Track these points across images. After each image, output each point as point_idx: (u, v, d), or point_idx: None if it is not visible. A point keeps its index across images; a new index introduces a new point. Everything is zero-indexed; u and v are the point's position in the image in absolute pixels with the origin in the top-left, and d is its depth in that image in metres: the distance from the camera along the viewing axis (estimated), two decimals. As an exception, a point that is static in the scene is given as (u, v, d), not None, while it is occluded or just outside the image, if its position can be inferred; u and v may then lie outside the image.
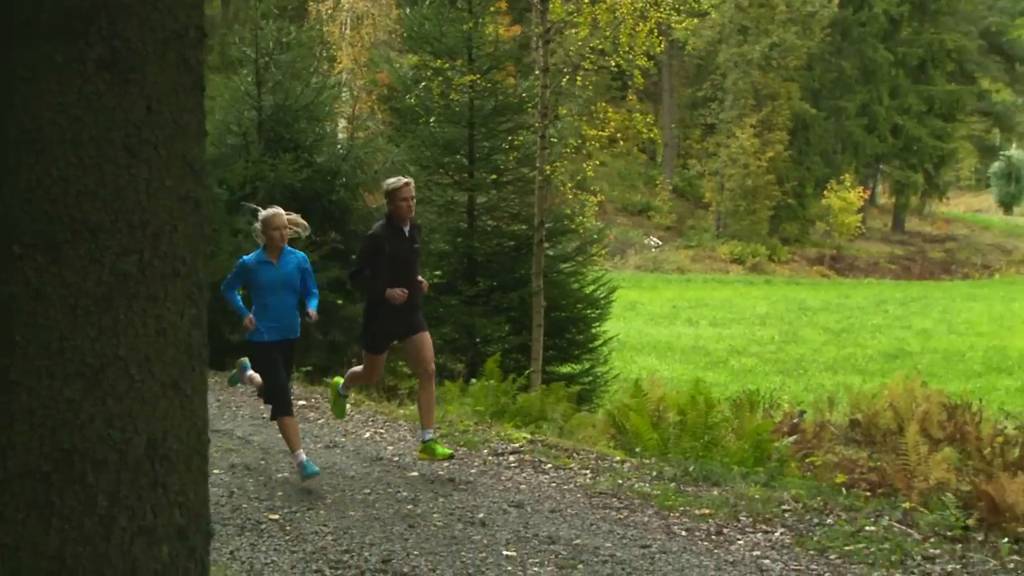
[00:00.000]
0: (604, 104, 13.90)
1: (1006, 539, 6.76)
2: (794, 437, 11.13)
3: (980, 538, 6.84)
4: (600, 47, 13.25)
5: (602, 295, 15.13)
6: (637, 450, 9.28)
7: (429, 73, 14.63)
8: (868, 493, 9.67)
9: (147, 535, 2.78)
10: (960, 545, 6.63)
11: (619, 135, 13.27)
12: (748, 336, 27.33)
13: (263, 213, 7.73)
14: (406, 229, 7.97)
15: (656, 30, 12.84)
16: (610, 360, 16.79)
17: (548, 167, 13.07)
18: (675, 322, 30.42)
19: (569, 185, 14.14)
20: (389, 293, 7.70)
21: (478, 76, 14.24)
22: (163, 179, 2.75)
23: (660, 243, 45.79)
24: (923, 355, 24.32)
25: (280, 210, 7.80)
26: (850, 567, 6.24)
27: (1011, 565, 6.21)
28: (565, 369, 14.99)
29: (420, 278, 8.23)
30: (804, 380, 21.22)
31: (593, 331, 15.06)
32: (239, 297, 7.74)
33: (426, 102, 14.74)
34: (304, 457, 7.65)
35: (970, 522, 7.43)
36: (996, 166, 68.01)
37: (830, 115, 48.39)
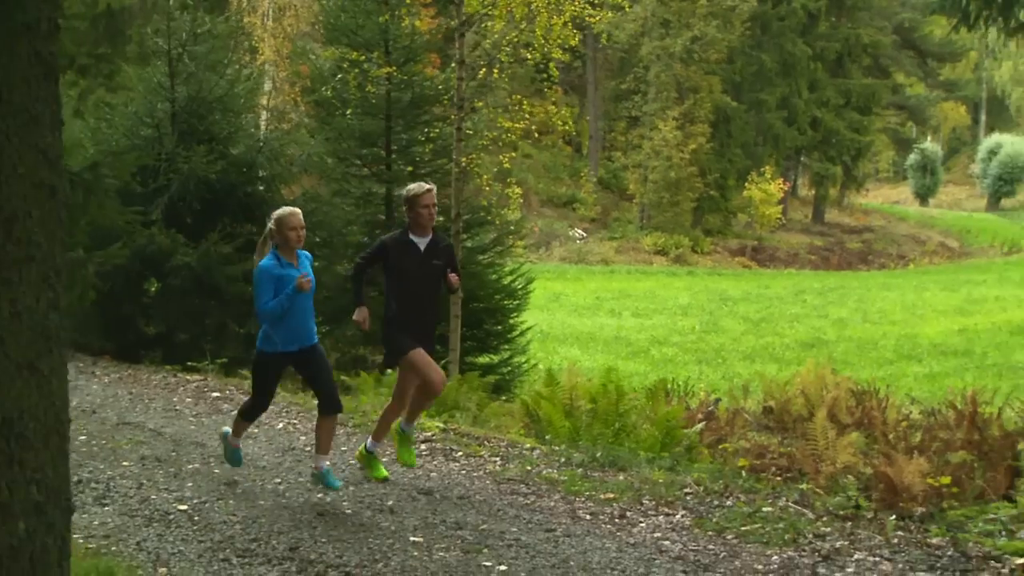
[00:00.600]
0: (519, 96, 14.04)
1: (893, 516, 7.03)
2: (702, 424, 11.36)
3: (870, 516, 7.10)
4: (516, 40, 13.36)
5: (520, 286, 15.27)
6: (547, 437, 9.44)
7: (346, 65, 14.65)
8: (778, 477, 9.96)
9: (2, 511, 2.82)
10: (850, 523, 6.89)
11: (535, 128, 13.41)
12: (669, 326, 27.67)
13: (278, 212, 7.01)
14: (422, 242, 7.21)
15: (570, 23, 13.00)
16: (530, 350, 16.95)
17: (464, 159, 13.18)
18: (598, 313, 30.69)
19: (486, 177, 14.24)
20: (354, 319, 7.33)
21: (394, 68, 14.31)
22: (15, 167, 2.79)
23: (585, 235, 46.10)
24: (838, 343, 24.85)
25: (297, 209, 7.07)
26: (745, 546, 6.45)
27: (895, 540, 6.47)
28: (483, 359, 15.11)
29: (453, 280, 7.42)
30: (722, 369, 21.57)
31: (511, 321, 15.20)
32: (273, 301, 6.92)
33: (343, 94, 14.75)
34: (239, 444, 7.66)
35: (861, 502, 7.71)
36: (912, 159, 69.58)
37: (751, 108, 49.05)
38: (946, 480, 8.92)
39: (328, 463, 7.24)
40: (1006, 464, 9.98)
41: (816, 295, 33.92)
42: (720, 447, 11.34)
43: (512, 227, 15.63)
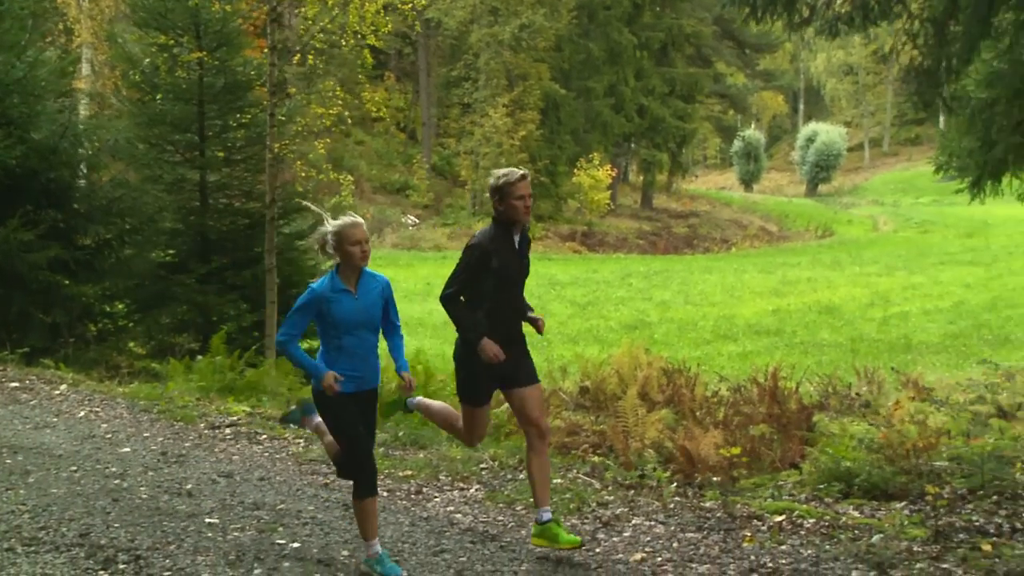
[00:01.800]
0: (331, 83, 14.08)
1: (674, 484, 7.44)
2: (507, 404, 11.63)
3: (653, 484, 7.49)
4: (329, 25, 13.38)
5: (339, 272, 15.27)
6: (353, 419, 9.57)
7: (155, 49, 14.42)
8: (590, 453, 10.37)
9: None
10: (633, 491, 7.26)
11: (349, 114, 13.47)
12: (498, 311, 27.97)
13: (336, 223, 5.64)
14: (517, 238, 6.03)
15: (383, 10, 13.10)
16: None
17: (277, 145, 13.15)
18: (428, 299, 30.78)
19: (300, 163, 14.23)
20: (483, 348, 5.85)
21: (206, 53, 14.14)
22: None
23: (417, 221, 46.18)
24: (660, 325, 25.64)
25: (360, 219, 5.70)
26: (533, 515, 6.73)
27: (672, 505, 6.87)
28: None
29: (532, 313, 6.31)
30: (547, 351, 21.99)
31: (329, 307, 15.18)
32: (301, 349, 5.75)
33: (153, 79, 14.50)
34: (380, 549, 5.79)
35: (652, 471, 8.12)
36: (736, 146, 72.05)
37: (579, 95, 49.90)
38: (736, 451, 9.49)
39: (379, 547, 5.77)
40: (800, 435, 10.65)
41: (642, 278, 34.84)
42: (535, 425, 11.68)
43: (330, 213, 15.57)
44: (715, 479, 8.59)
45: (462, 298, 6.04)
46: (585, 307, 28.94)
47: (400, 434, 8.72)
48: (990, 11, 10.25)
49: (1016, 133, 11.25)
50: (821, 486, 7.50)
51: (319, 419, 6.11)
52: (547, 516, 6.00)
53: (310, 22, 13.80)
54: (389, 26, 13.22)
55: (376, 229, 43.53)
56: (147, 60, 14.47)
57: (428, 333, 24.59)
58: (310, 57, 13.72)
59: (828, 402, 13.56)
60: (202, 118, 14.52)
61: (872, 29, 12.38)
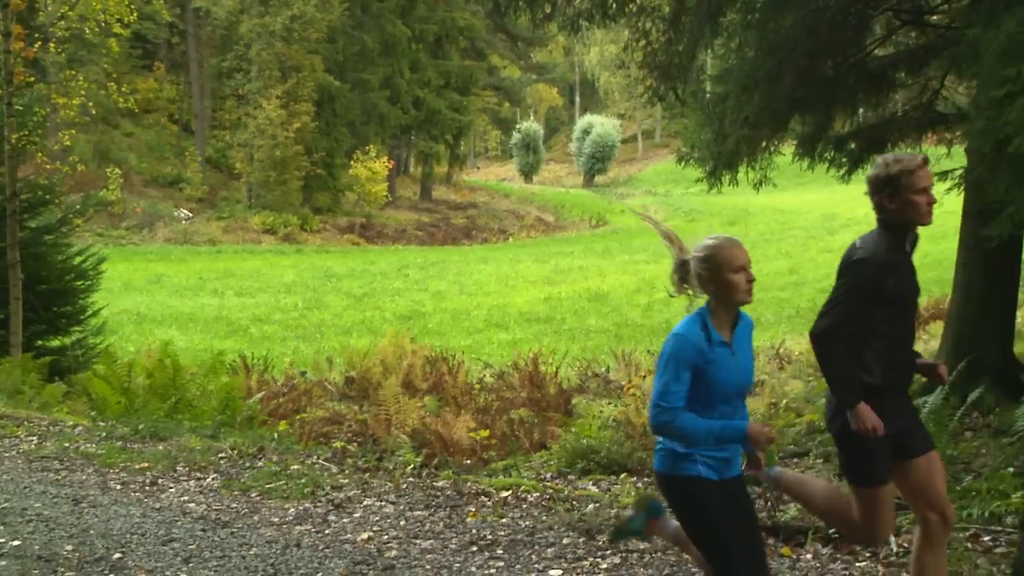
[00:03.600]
0: (73, 72, 13.63)
1: (411, 466, 7.66)
2: (262, 394, 11.68)
3: (391, 467, 7.69)
4: (70, 13, 12.97)
5: (91, 267, 14.86)
6: (93, 414, 9.40)
7: None
8: (354, 442, 10.51)
9: None
10: (368, 474, 7.43)
11: (92, 104, 13.09)
12: (272, 304, 27.70)
13: (709, 244, 3.89)
14: (910, 246, 4.31)
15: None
16: (119, 331, 16.50)
17: (15, 136, 12.68)
18: (200, 293, 30.21)
19: (41, 155, 13.74)
20: (859, 415, 4.12)
21: (-68, 39, 13.46)
22: None
23: (191, 215, 45.01)
24: (435, 315, 25.93)
25: (736, 238, 3.91)
26: (267, 502, 6.82)
27: (404, 486, 7.07)
28: (55, 342, 14.60)
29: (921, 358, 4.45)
30: (319, 343, 21.95)
31: (82, 303, 14.77)
32: (695, 417, 3.81)
33: None
34: None
35: (393, 453, 8.33)
36: (516, 138, 73.31)
37: (355, 87, 49.64)
38: (484, 433, 9.85)
39: None
40: (557, 417, 11.13)
41: (419, 269, 35.09)
42: (298, 416, 11.76)
43: (77, 206, 15.10)
44: (467, 461, 8.90)
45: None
46: (361, 299, 28.95)
47: (140, 427, 8.60)
48: (717, 11, 10.91)
49: (745, 126, 11.97)
50: (552, 463, 7.88)
51: (675, 521, 4.21)
52: None
53: (49, 9, 13.35)
54: (134, 15, 12.91)
55: (147, 224, 42.23)
56: None
57: (199, 327, 24.09)
58: (52, 45, 13.27)
59: (588, 385, 14.14)
60: (-68, 107, 13.79)
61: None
